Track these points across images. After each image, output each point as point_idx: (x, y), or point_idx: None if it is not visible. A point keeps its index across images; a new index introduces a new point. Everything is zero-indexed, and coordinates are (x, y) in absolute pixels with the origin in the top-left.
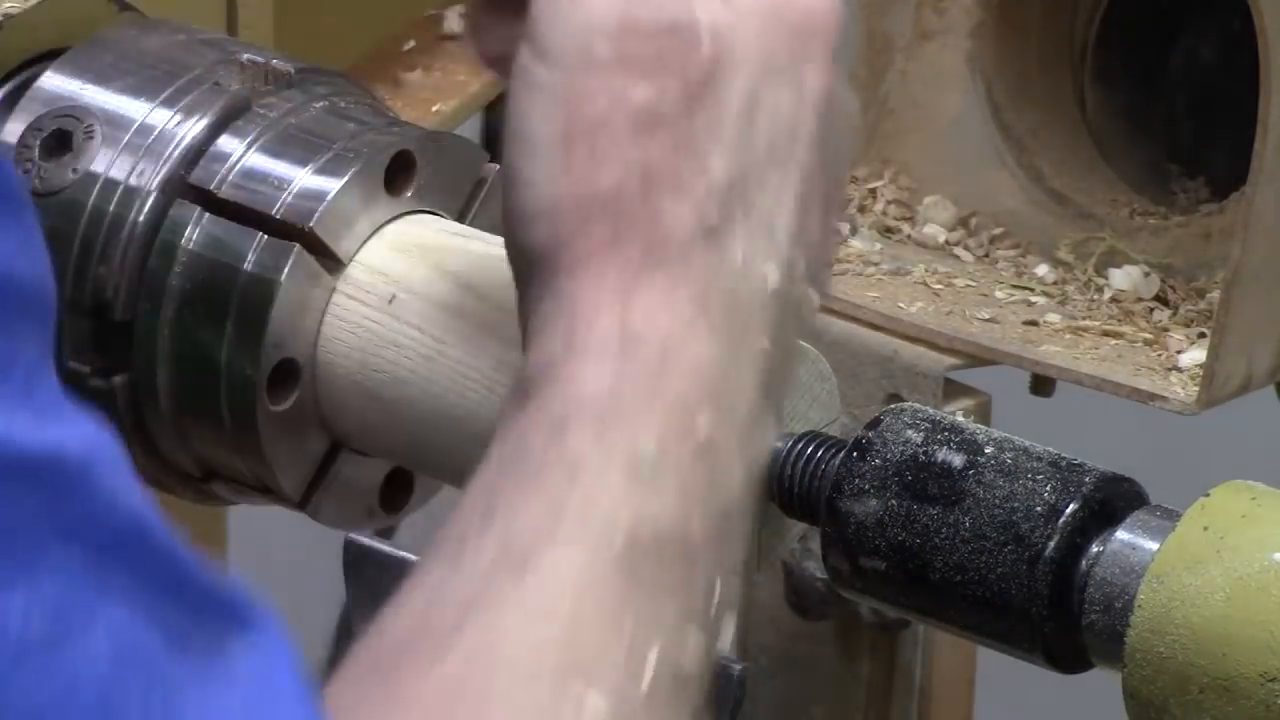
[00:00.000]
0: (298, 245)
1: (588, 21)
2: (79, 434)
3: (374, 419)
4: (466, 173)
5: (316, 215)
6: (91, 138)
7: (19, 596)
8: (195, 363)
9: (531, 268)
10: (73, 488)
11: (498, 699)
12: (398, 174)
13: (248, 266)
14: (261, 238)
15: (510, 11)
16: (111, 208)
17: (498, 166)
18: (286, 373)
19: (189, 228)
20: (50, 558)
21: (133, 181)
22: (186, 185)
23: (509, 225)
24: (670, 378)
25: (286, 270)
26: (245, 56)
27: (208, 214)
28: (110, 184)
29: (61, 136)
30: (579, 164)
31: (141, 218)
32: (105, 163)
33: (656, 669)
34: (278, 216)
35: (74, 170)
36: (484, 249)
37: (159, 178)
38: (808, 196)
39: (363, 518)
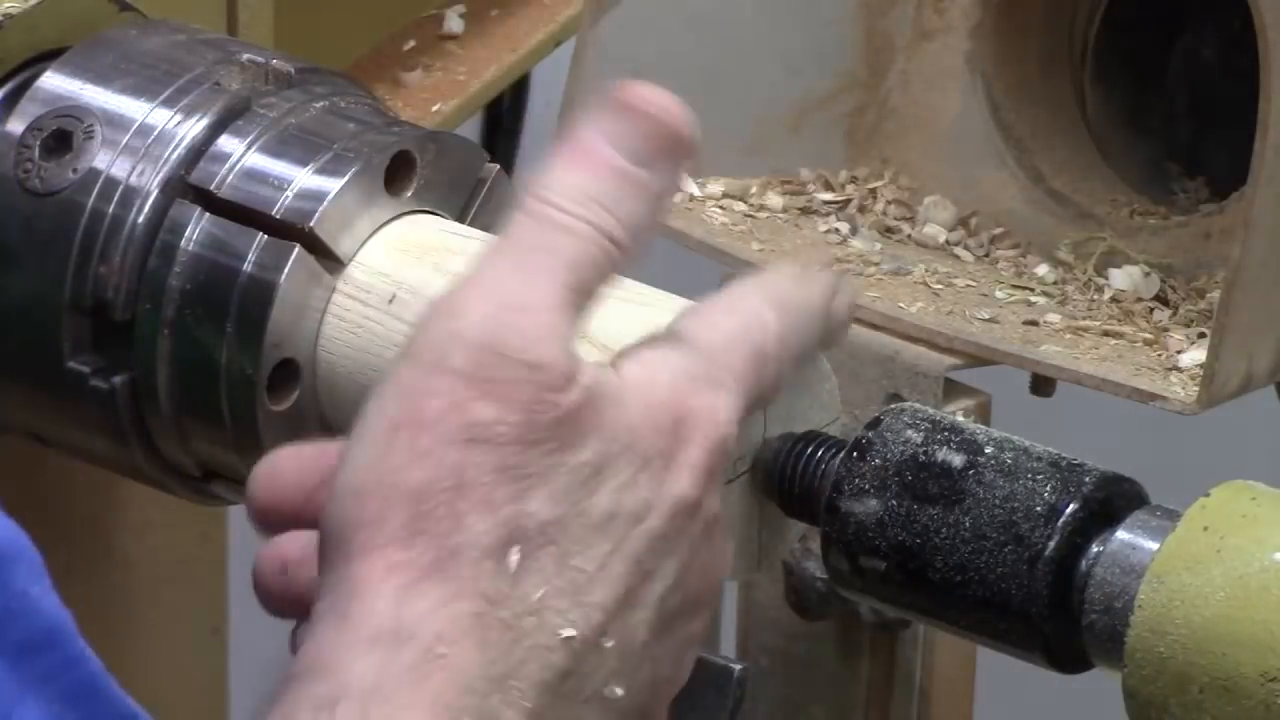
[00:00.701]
0: (298, 245)
1: (456, 330)
2: None
3: None
4: (466, 173)
5: (316, 215)
6: (91, 138)
7: None
8: (195, 363)
9: (329, 544)
10: None
11: None
12: (398, 174)
13: (248, 267)
14: (261, 238)
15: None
16: (111, 208)
17: (498, 166)
18: (287, 372)
19: (189, 228)
20: None
21: (133, 181)
22: (186, 185)
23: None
24: (434, 680)
25: (286, 270)
26: (245, 56)
27: (208, 214)
28: (110, 184)
29: (61, 136)
30: (397, 453)
31: (141, 218)
32: (105, 163)
33: None
34: (278, 216)
35: (74, 170)
36: (484, 249)
37: (159, 178)
38: (641, 590)
39: None
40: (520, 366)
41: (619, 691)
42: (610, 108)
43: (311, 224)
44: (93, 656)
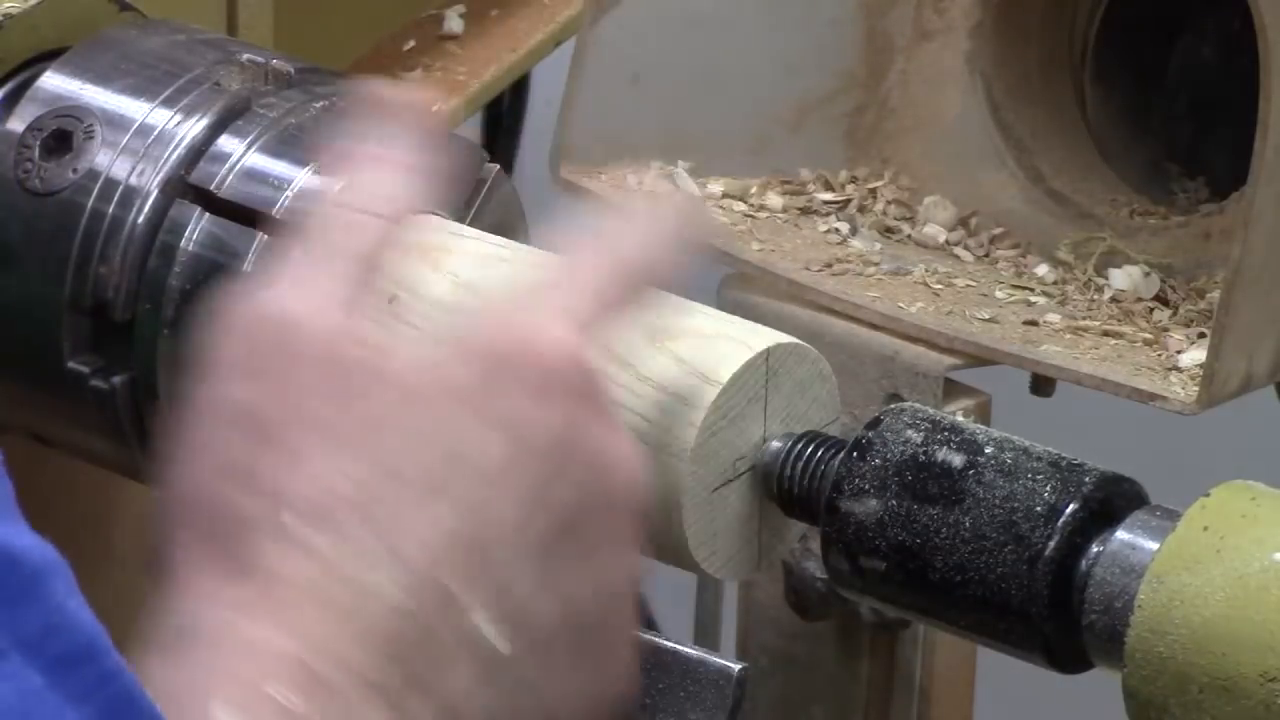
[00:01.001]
0: None
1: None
2: (34, 542)
3: None
4: (466, 173)
5: None
6: (91, 138)
7: None
8: (194, 364)
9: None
10: (30, 593)
11: None
12: None
13: (248, 266)
14: (262, 238)
15: None
16: (111, 208)
17: (498, 166)
18: None
19: (189, 227)
20: (10, 664)
21: (133, 181)
22: (186, 185)
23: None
24: (237, 656)
25: None
26: (245, 56)
27: (208, 214)
28: (110, 184)
29: (61, 136)
30: (187, 449)
31: (141, 218)
32: (105, 163)
33: None
34: (278, 216)
35: (74, 170)
36: (484, 249)
37: (159, 178)
38: (494, 528)
39: None
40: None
41: (498, 638)
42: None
43: None
44: (127, 669)
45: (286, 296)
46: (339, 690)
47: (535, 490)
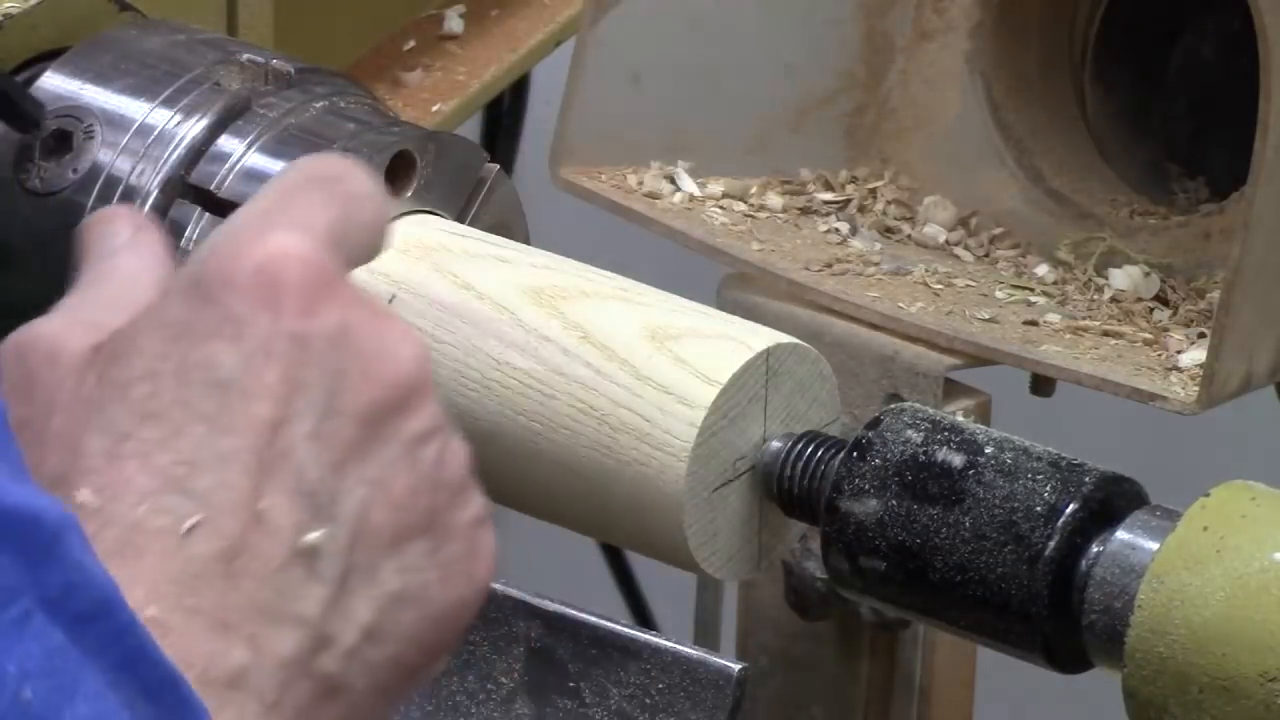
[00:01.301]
0: None
1: None
2: (50, 500)
3: None
4: (466, 173)
5: None
6: (92, 138)
7: (12, 663)
8: None
9: None
10: (51, 552)
11: None
12: (398, 174)
13: None
14: None
15: None
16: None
17: (498, 166)
18: None
19: (189, 228)
20: (35, 624)
21: (133, 181)
22: (187, 185)
23: None
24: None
25: None
26: (245, 56)
27: (208, 214)
28: (110, 184)
29: (62, 136)
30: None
31: None
32: (105, 162)
33: None
34: None
35: (74, 170)
36: (484, 249)
37: (159, 178)
38: (284, 439)
39: None
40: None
41: (329, 542)
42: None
43: None
44: (140, 623)
45: (51, 323)
46: (182, 631)
47: (317, 396)
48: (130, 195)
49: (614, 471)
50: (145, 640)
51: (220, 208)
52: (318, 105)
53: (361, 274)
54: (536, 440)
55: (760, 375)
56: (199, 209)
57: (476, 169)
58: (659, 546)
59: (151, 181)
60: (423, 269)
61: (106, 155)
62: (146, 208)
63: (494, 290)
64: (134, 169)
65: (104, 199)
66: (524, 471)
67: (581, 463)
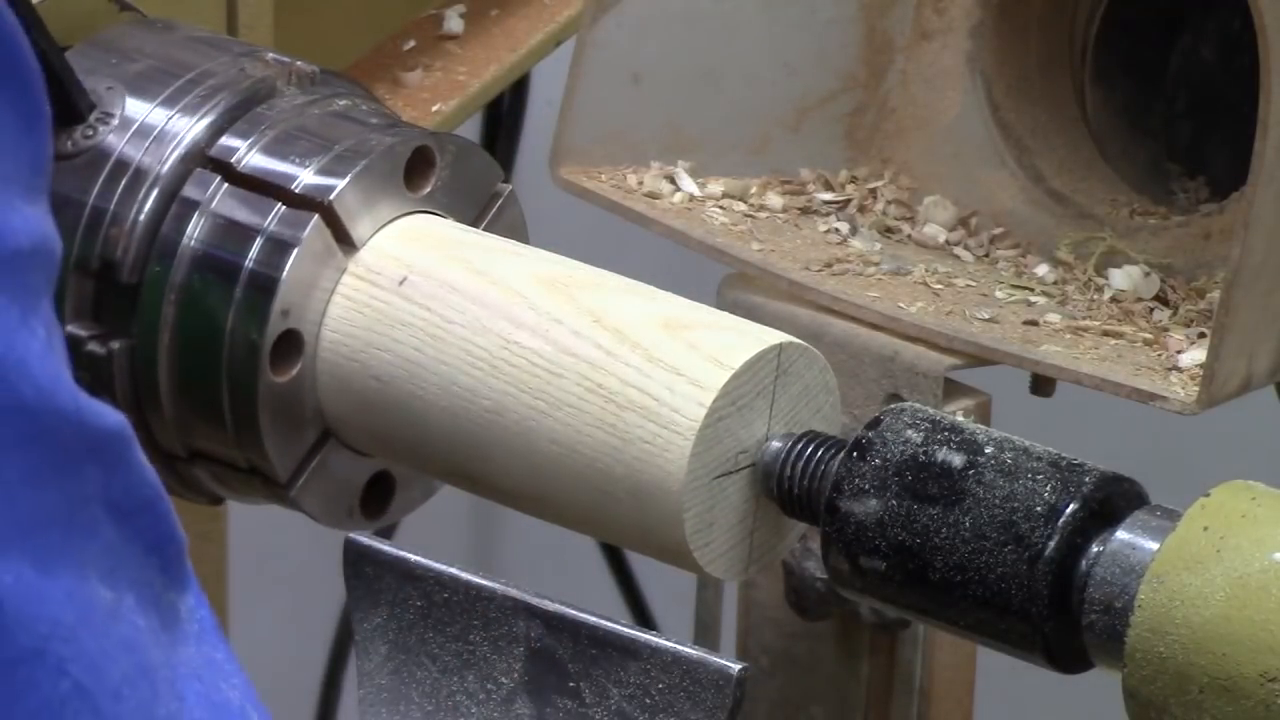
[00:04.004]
0: (317, 214)
1: None
2: (115, 411)
3: (374, 399)
4: (481, 185)
5: (336, 191)
6: (104, 123)
7: (92, 570)
8: (199, 329)
9: None
10: (120, 462)
11: None
12: (416, 170)
13: (265, 229)
14: (280, 207)
15: None
16: (125, 178)
17: (510, 187)
18: (289, 346)
19: (208, 191)
20: (103, 532)
21: (145, 160)
22: (207, 157)
23: None
24: None
25: (305, 234)
26: (270, 55)
27: (227, 183)
28: (121, 163)
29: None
30: None
31: (159, 184)
32: (113, 145)
33: None
34: (297, 191)
35: (86, 136)
36: (498, 244)
37: (176, 154)
38: None
39: (343, 516)
40: None
41: None
42: None
43: (331, 198)
44: (171, 510)
45: None
46: None
47: None
48: (144, 171)
49: (616, 450)
50: (175, 525)
51: (240, 181)
52: (341, 102)
53: (372, 256)
54: (539, 419)
55: (771, 370)
56: (219, 178)
57: (492, 184)
58: (654, 532)
59: (165, 164)
60: (436, 255)
61: (114, 139)
62: (164, 172)
63: (508, 276)
64: (144, 150)
65: (114, 177)
66: (521, 454)
67: (584, 442)
